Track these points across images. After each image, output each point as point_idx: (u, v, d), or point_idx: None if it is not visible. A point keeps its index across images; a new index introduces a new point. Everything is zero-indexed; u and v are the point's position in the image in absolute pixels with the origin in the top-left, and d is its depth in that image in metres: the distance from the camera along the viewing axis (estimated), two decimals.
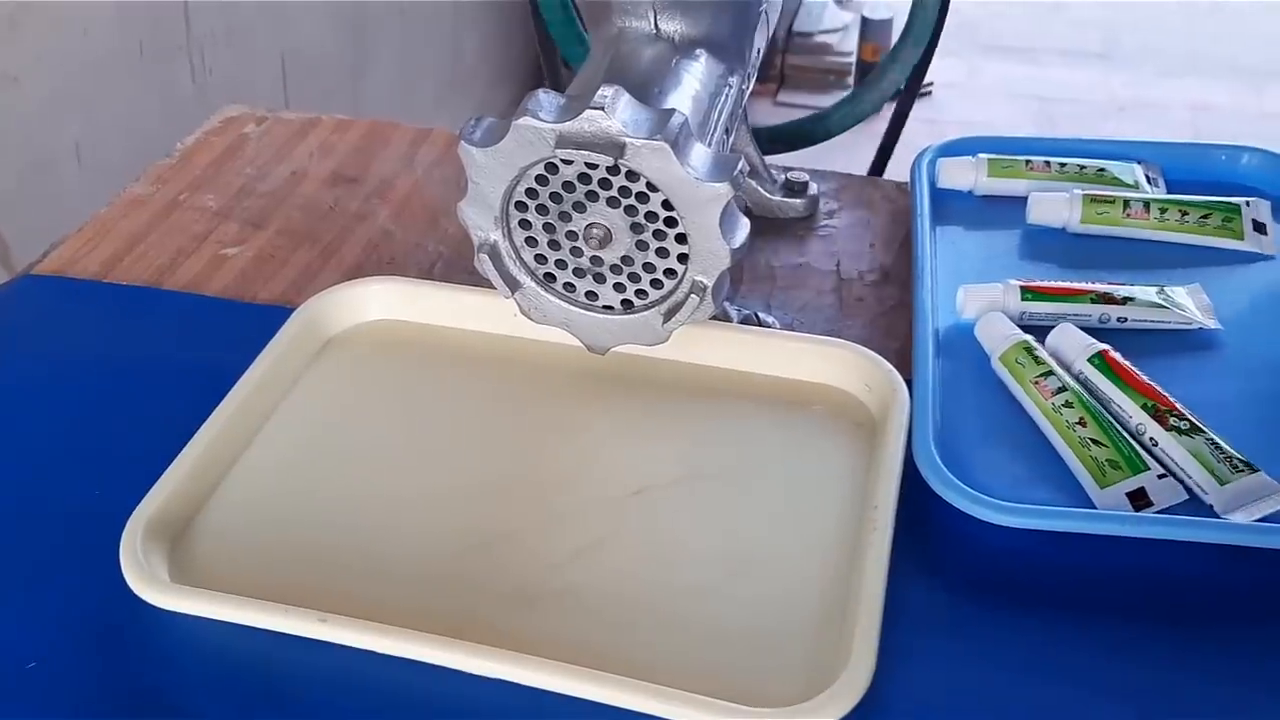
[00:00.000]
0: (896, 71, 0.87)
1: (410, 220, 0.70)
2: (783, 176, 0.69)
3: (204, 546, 0.49)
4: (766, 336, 0.57)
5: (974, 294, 0.58)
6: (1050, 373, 0.53)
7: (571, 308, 0.54)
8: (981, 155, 0.68)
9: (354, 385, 0.58)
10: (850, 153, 1.13)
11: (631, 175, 0.49)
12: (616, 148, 0.47)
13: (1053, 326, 0.56)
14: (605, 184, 0.50)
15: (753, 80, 0.61)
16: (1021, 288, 0.58)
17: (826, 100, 2.51)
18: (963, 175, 0.68)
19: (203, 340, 0.61)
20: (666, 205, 0.49)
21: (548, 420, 0.56)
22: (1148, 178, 0.67)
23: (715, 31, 0.56)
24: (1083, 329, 0.56)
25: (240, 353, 0.57)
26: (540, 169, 0.50)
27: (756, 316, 0.60)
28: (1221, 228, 0.62)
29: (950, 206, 0.67)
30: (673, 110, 0.48)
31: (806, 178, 0.69)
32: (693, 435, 0.54)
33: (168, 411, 0.55)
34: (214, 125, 0.79)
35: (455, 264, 0.66)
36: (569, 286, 0.54)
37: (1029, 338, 0.55)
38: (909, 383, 0.53)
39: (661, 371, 0.57)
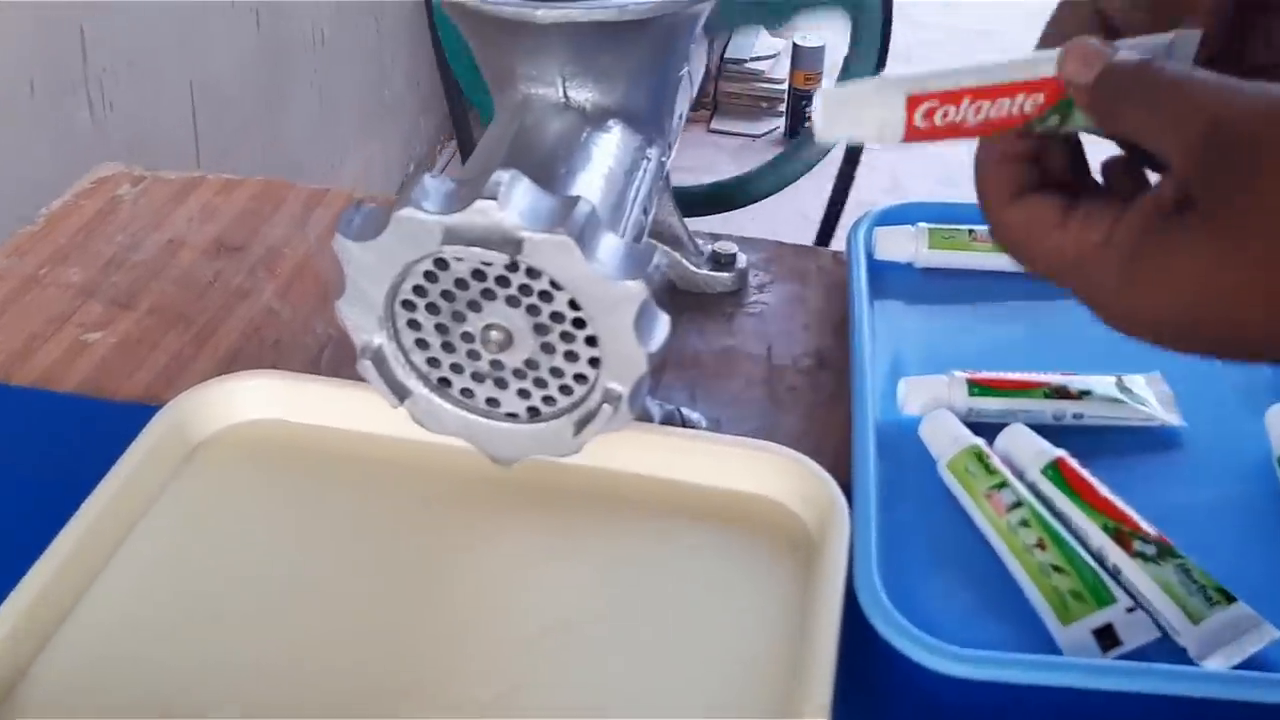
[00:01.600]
0: None
1: (299, 297, 0.63)
2: (709, 247, 0.64)
3: (40, 702, 0.42)
4: (691, 440, 0.51)
5: (916, 388, 0.53)
6: (1003, 484, 0.48)
7: (471, 416, 0.48)
8: (922, 225, 0.63)
9: (225, 501, 0.51)
10: (787, 203, 1.08)
11: (532, 272, 0.43)
12: (512, 244, 0.41)
13: (1004, 425, 0.51)
14: (503, 281, 0.43)
15: (674, 149, 0.55)
16: (969, 381, 0.53)
17: (759, 127, 2.47)
18: (902, 246, 0.63)
19: (53, 446, 0.54)
20: (574, 305, 0.43)
21: (450, 540, 0.49)
22: None
23: (631, 101, 0.50)
24: (1036, 426, 0.51)
25: (96, 461, 0.50)
26: (429, 264, 0.44)
27: (680, 414, 0.54)
28: None
29: (889, 280, 0.62)
30: (578, 198, 0.42)
31: (735, 249, 0.63)
32: (612, 556, 0.48)
33: (7, 533, 0.47)
34: (84, 187, 0.72)
35: (347, 348, 0.59)
36: (467, 392, 0.47)
37: (979, 442, 0.50)
38: (849, 489, 0.48)
39: (576, 479, 0.51)
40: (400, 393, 0.47)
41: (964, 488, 0.48)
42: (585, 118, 0.50)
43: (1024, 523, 0.46)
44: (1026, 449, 0.49)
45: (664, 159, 0.53)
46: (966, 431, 0.50)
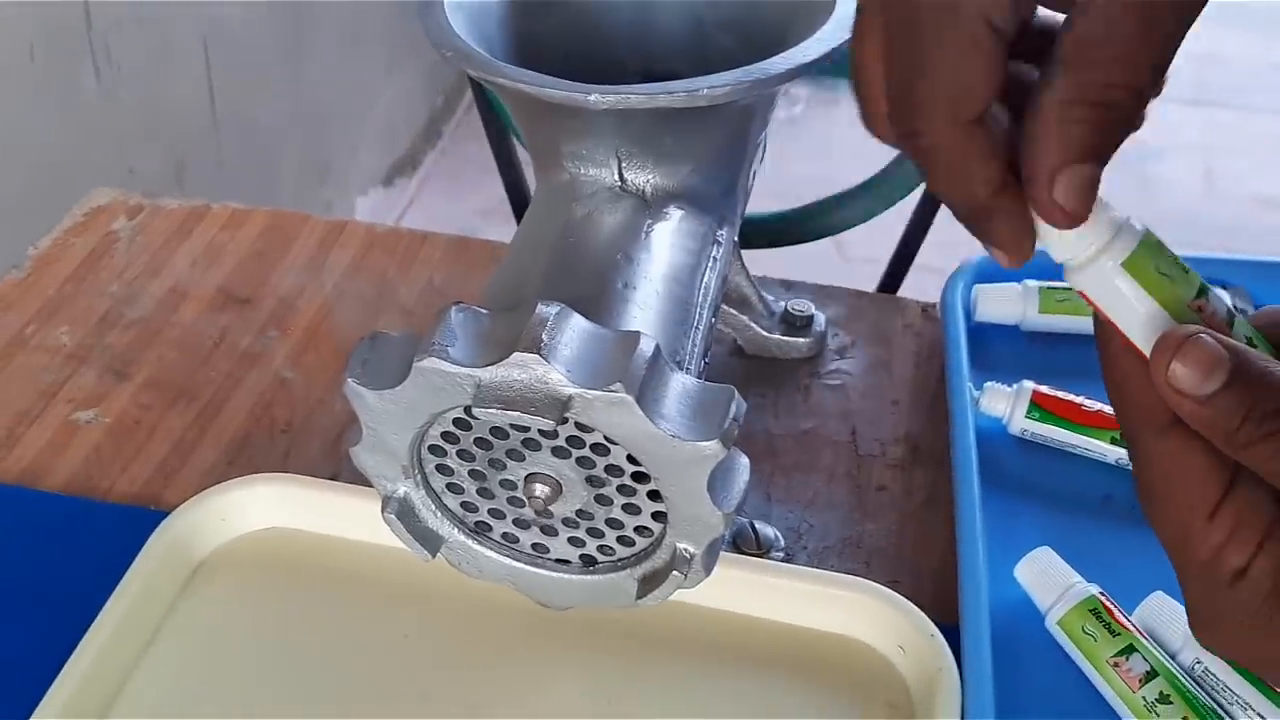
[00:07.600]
0: None
1: (314, 362, 0.56)
2: (781, 306, 0.56)
3: None
4: (769, 575, 0.44)
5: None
6: (1131, 649, 0.40)
7: (515, 563, 0.41)
8: (1030, 283, 0.54)
9: (235, 625, 0.45)
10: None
11: (583, 425, 0.35)
12: (557, 405, 0.34)
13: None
14: (549, 433, 0.36)
15: (743, 214, 0.47)
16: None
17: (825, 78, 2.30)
18: (1007, 307, 0.54)
19: (38, 558, 0.47)
20: (633, 459, 0.36)
21: (491, 682, 0.43)
22: (1235, 308, 0.54)
23: (698, 181, 0.42)
24: None
25: (86, 577, 0.44)
26: (459, 412, 0.36)
27: (753, 529, 0.47)
28: None
29: (992, 348, 0.54)
30: (638, 337, 0.34)
31: (811, 310, 0.55)
32: (670, 707, 0.42)
33: None
34: (76, 220, 0.64)
35: None
36: (509, 538, 0.40)
37: (1095, 591, 0.42)
38: (954, 634, 0.41)
39: (629, 614, 0.44)
40: (432, 543, 0.40)
41: (1085, 655, 0.41)
42: (644, 204, 0.41)
43: (1163, 698, 0.39)
44: (1180, 623, 0.41)
45: (735, 239, 0.45)
46: (1077, 578, 0.42)
